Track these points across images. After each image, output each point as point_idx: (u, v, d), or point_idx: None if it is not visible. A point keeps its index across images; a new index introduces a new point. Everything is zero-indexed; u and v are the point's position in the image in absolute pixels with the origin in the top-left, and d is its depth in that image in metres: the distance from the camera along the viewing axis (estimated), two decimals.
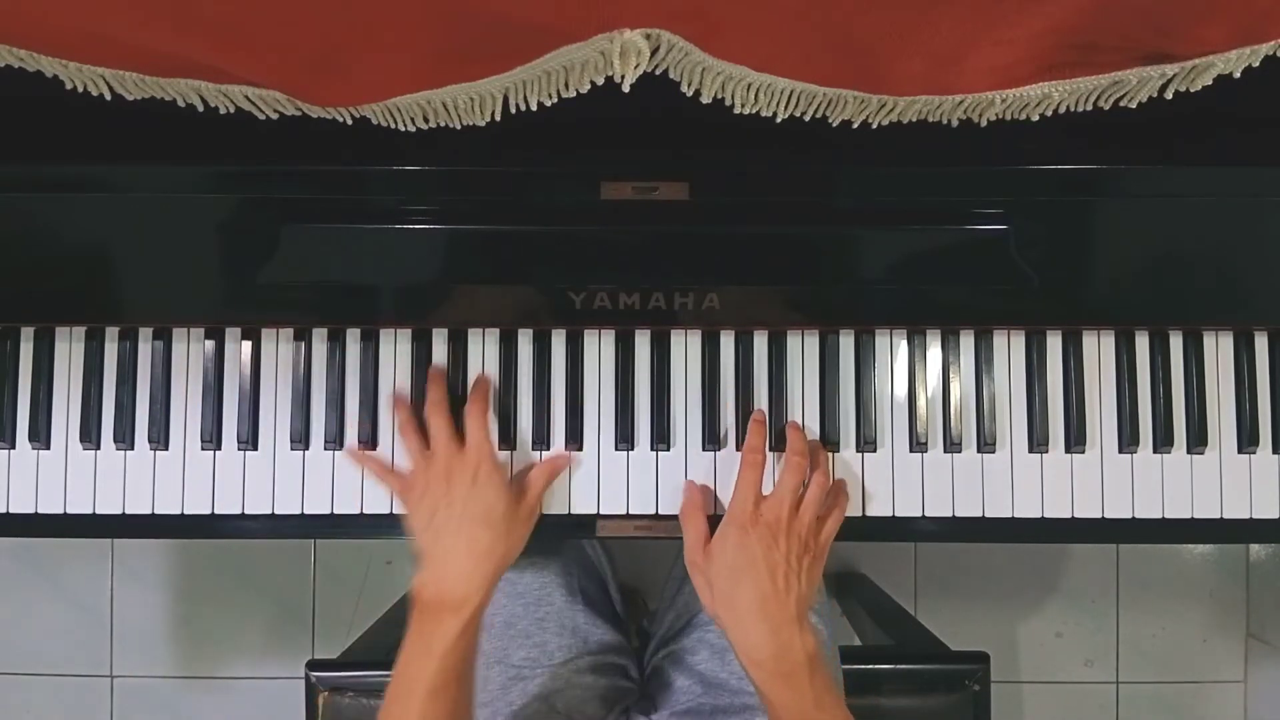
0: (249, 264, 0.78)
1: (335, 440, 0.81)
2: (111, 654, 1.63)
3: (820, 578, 0.76)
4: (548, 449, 0.82)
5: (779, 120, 0.71)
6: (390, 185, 0.79)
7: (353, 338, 0.82)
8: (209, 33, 0.62)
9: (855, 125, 0.73)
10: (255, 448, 0.82)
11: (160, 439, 0.81)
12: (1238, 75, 0.67)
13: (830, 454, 0.81)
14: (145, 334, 0.82)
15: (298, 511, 0.81)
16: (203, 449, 0.82)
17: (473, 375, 0.82)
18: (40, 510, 0.82)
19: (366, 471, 0.80)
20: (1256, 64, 0.67)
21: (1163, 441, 0.81)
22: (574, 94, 0.67)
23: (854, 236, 0.79)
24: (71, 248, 0.79)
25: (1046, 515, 0.81)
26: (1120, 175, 0.78)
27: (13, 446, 0.82)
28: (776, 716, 0.70)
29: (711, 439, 0.81)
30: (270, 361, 0.82)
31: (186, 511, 0.81)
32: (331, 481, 0.81)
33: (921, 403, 0.82)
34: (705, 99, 0.68)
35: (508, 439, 0.82)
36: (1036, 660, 1.63)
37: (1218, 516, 0.81)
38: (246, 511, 0.81)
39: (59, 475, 0.82)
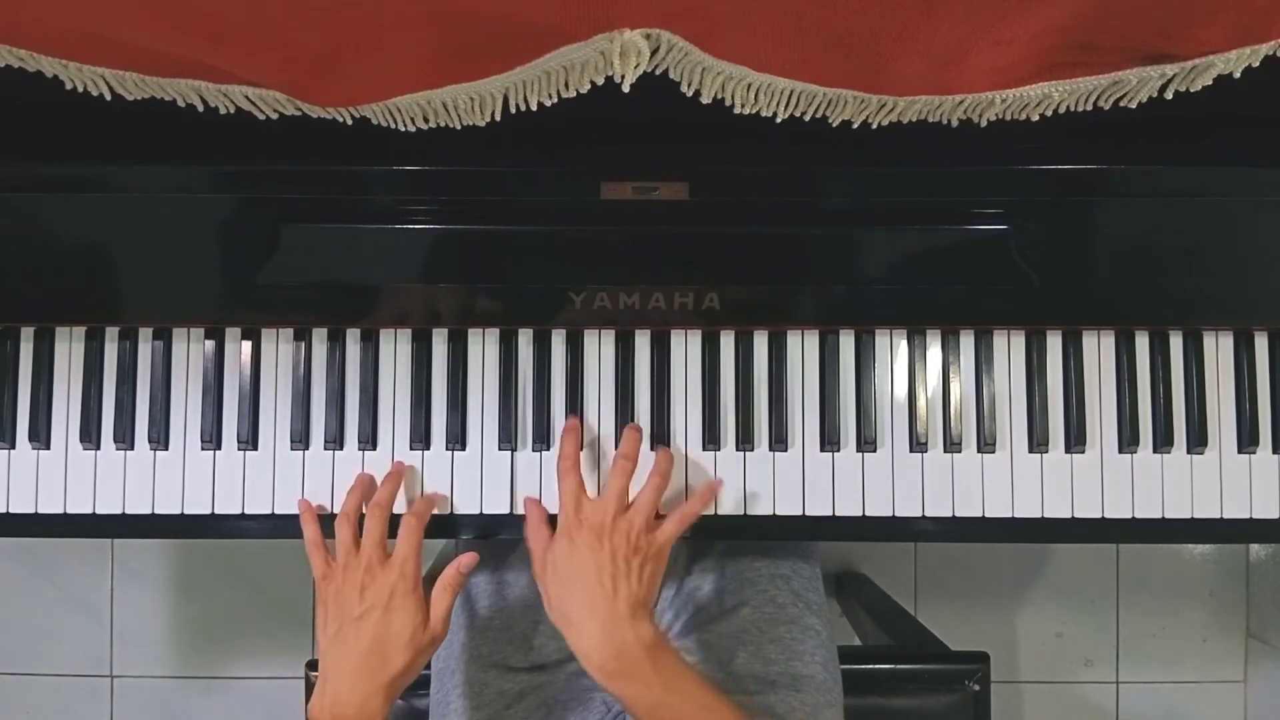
0: (249, 264, 0.78)
1: (335, 440, 0.81)
2: (111, 654, 1.63)
3: (659, 578, 0.74)
4: (548, 449, 0.82)
5: (779, 120, 0.71)
6: (390, 185, 0.79)
7: (353, 338, 0.82)
8: (209, 33, 0.62)
9: (855, 125, 0.73)
10: (255, 448, 0.82)
11: (160, 439, 0.81)
12: (1238, 75, 0.67)
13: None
14: (145, 334, 0.82)
15: (298, 511, 0.81)
16: (203, 449, 0.82)
17: (473, 375, 0.82)
18: (40, 510, 0.82)
19: (304, 527, 0.78)
20: (1256, 64, 0.67)
21: (1163, 441, 0.81)
22: (574, 94, 0.67)
23: (854, 236, 0.79)
24: (71, 248, 0.79)
25: (1046, 515, 0.81)
26: (1120, 175, 0.78)
27: (13, 446, 0.82)
28: (631, 711, 0.70)
29: (711, 439, 0.81)
30: (270, 361, 0.82)
31: (186, 511, 0.81)
32: (331, 481, 0.81)
33: (921, 403, 0.82)
34: (705, 99, 0.68)
35: (508, 439, 0.82)
36: (1036, 660, 1.63)
37: (1218, 516, 0.81)
38: (246, 511, 0.81)
39: (59, 475, 0.82)
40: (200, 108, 0.71)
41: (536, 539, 0.77)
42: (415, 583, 0.74)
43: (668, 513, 0.77)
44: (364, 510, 0.78)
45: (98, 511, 0.81)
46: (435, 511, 0.80)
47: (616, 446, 0.81)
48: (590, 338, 0.82)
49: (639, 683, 0.69)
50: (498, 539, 0.94)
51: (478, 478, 0.82)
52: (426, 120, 0.72)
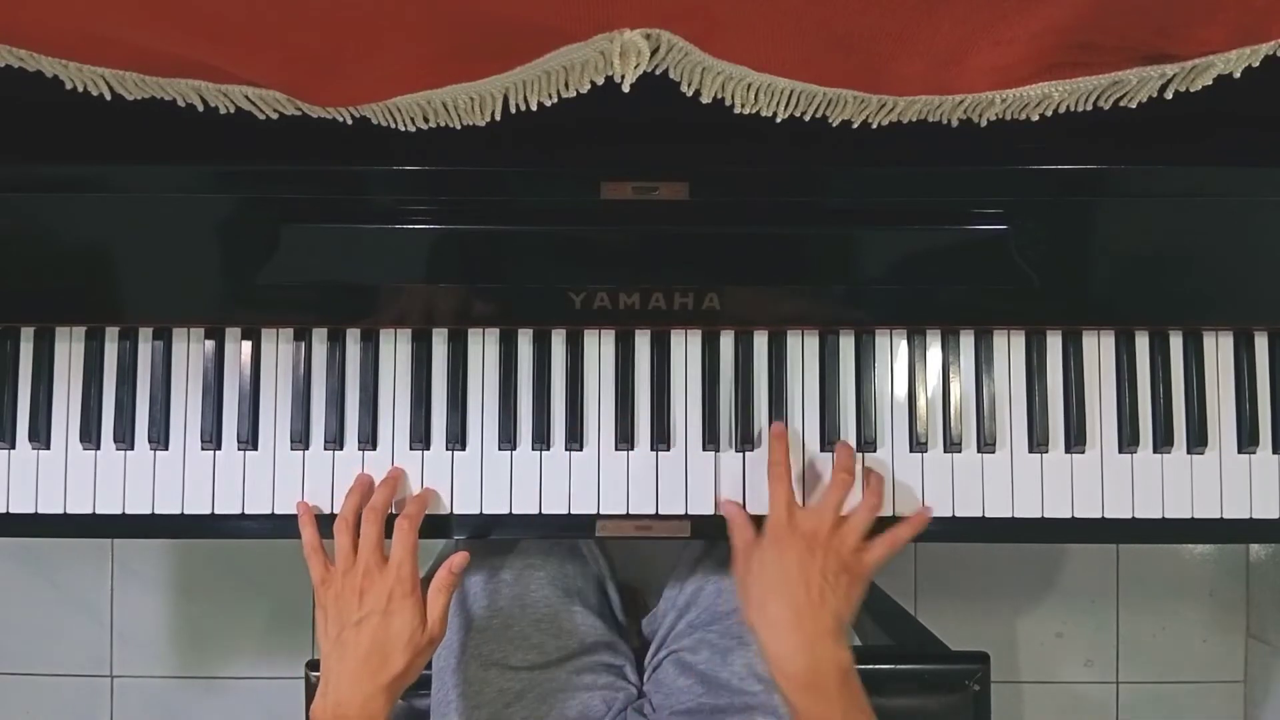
0: (249, 264, 0.78)
1: (335, 440, 0.81)
2: (111, 654, 1.63)
3: (860, 600, 0.75)
4: (548, 449, 0.82)
5: (779, 120, 0.71)
6: (390, 185, 0.79)
7: (353, 338, 0.82)
8: (209, 33, 0.62)
9: (855, 125, 0.73)
10: (255, 448, 0.82)
11: (160, 439, 0.81)
12: (1238, 75, 0.67)
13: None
14: (145, 334, 0.82)
15: (298, 511, 0.81)
16: (203, 449, 0.82)
17: (473, 375, 0.82)
18: (40, 510, 0.82)
19: (303, 530, 0.79)
20: (1256, 64, 0.67)
21: (1163, 441, 0.81)
22: (574, 94, 0.67)
23: (854, 236, 0.79)
24: (71, 248, 0.79)
25: (1046, 515, 0.81)
26: (1120, 175, 0.78)
27: (13, 446, 0.82)
28: None
29: (711, 439, 0.81)
30: (270, 361, 0.82)
31: (186, 511, 0.81)
32: (331, 481, 0.81)
33: (921, 403, 0.82)
34: (705, 99, 0.68)
35: (509, 439, 0.82)
36: (1036, 660, 1.63)
37: (1218, 516, 0.81)
38: (246, 511, 0.81)
39: (59, 475, 0.82)
40: (200, 108, 0.71)
41: (742, 536, 0.77)
42: (413, 585, 0.75)
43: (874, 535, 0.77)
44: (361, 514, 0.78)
45: (98, 511, 0.81)
46: (431, 511, 0.80)
47: (616, 448, 0.81)
48: (590, 338, 0.82)
49: (823, 704, 0.69)
50: (499, 538, 0.94)
51: (478, 478, 0.82)
52: (426, 120, 0.72)
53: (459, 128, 0.72)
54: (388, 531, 0.77)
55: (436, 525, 0.81)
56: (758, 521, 0.79)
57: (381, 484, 0.80)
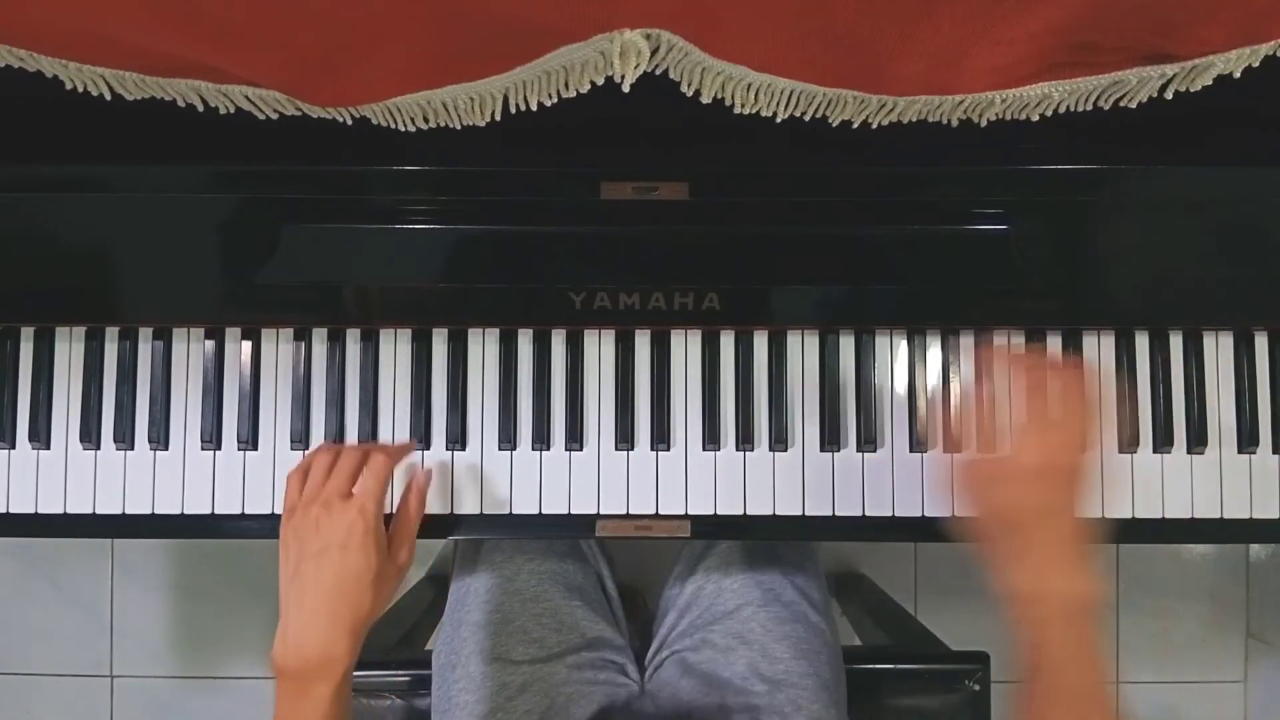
0: (249, 264, 0.78)
1: (335, 440, 0.81)
2: (111, 654, 1.63)
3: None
4: (548, 449, 0.82)
5: (779, 120, 0.71)
6: (390, 185, 0.79)
7: (353, 338, 0.82)
8: (209, 33, 0.62)
9: (855, 125, 0.73)
10: (255, 448, 0.82)
11: (160, 439, 0.81)
12: (1238, 75, 0.67)
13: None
14: (145, 334, 0.82)
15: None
16: (203, 449, 0.82)
17: (473, 375, 0.82)
18: (40, 510, 0.82)
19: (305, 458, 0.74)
20: (1256, 64, 0.67)
21: (1163, 441, 0.81)
22: (574, 94, 0.67)
23: (854, 236, 0.79)
24: (71, 248, 0.79)
25: None
26: (1120, 175, 0.78)
27: (13, 446, 0.82)
28: (1045, 659, 0.66)
29: (711, 439, 0.81)
30: (270, 361, 0.82)
31: (186, 511, 0.81)
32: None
33: (921, 403, 0.82)
34: (705, 99, 0.68)
35: (509, 439, 0.82)
36: None
37: (1218, 516, 0.81)
38: (246, 511, 0.81)
39: (59, 475, 0.82)
40: (200, 108, 0.71)
41: (984, 466, 0.70)
42: (375, 523, 0.70)
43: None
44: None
45: (98, 511, 0.81)
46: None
47: (616, 448, 0.81)
48: (590, 338, 0.82)
49: (1087, 632, 0.64)
50: (498, 539, 0.94)
51: (478, 478, 0.82)
52: (426, 120, 0.72)
53: (459, 128, 0.72)
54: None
55: (439, 525, 0.81)
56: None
57: (397, 446, 0.76)
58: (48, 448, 0.82)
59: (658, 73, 0.66)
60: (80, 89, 0.69)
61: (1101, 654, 0.65)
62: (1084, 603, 0.64)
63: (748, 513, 0.81)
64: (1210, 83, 0.68)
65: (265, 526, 0.82)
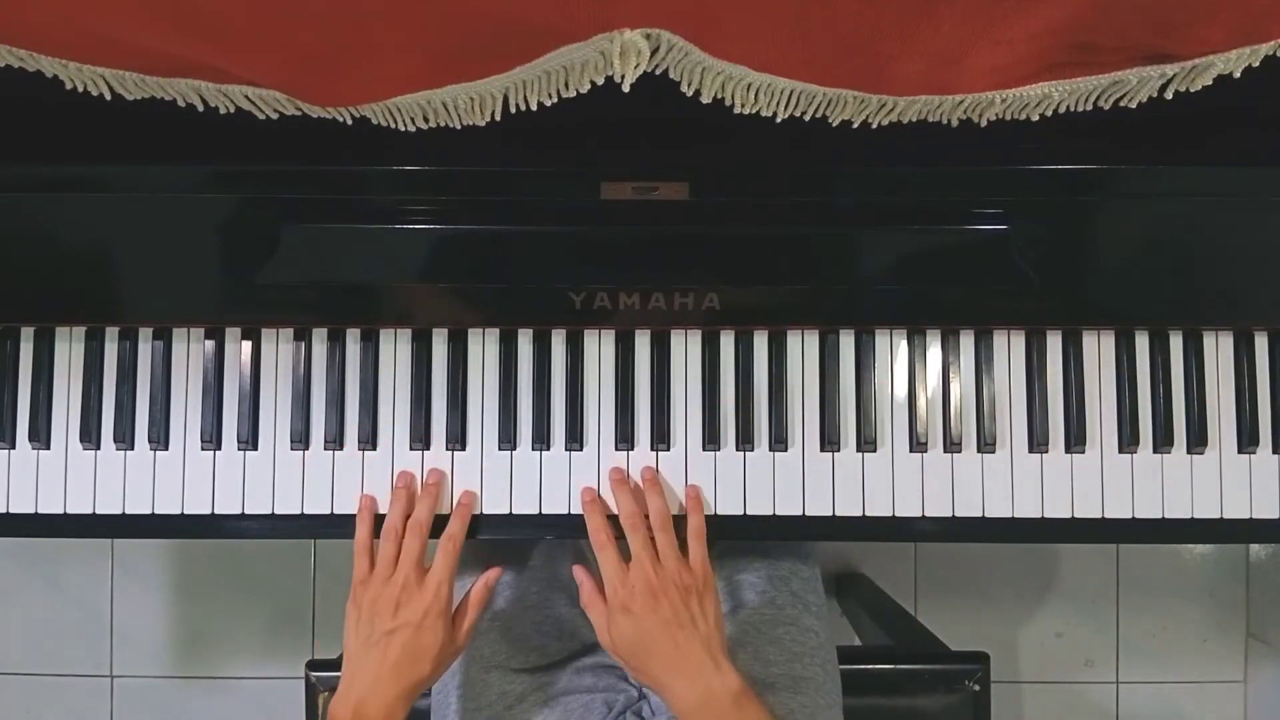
0: (249, 264, 0.78)
1: (335, 440, 0.81)
2: (111, 654, 1.63)
3: (718, 605, 0.76)
4: (548, 449, 0.82)
5: (779, 120, 0.71)
6: (390, 185, 0.79)
7: (353, 338, 0.82)
8: (209, 33, 0.62)
9: (855, 125, 0.73)
10: (255, 448, 0.82)
11: (160, 439, 0.81)
12: (1238, 75, 0.67)
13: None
14: (145, 334, 0.82)
15: (298, 511, 0.81)
16: (203, 449, 0.82)
17: (473, 375, 0.82)
18: (40, 510, 0.82)
19: (358, 527, 0.79)
20: (1256, 64, 0.67)
21: (1163, 441, 0.81)
22: (574, 94, 0.67)
23: (854, 236, 0.79)
24: (71, 248, 0.79)
25: (1046, 515, 0.81)
26: (1120, 175, 0.78)
27: (13, 446, 0.82)
28: None
29: (711, 439, 0.81)
30: (270, 361, 0.82)
31: (186, 511, 0.81)
32: (331, 481, 0.81)
33: (921, 403, 0.82)
34: (705, 99, 0.68)
35: (509, 439, 0.82)
36: (1036, 660, 1.63)
37: (1218, 516, 0.81)
38: (246, 511, 0.81)
39: (59, 475, 0.82)
40: (200, 108, 0.71)
41: (595, 610, 0.78)
42: (448, 604, 0.76)
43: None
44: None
45: (98, 511, 0.81)
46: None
47: (616, 448, 0.81)
48: (590, 338, 0.82)
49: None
50: (498, 539, 0.94)
51: (478, 478, 0.82)
52: (426, 120, 0.72)
53: (459, 128, 0.72)
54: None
55: (436, 525, 0.81)
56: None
57: (424, 494, 0.80)
58: (48, 448, 0.82)
59: (658, 73, 0.66)
60: (80, 89, 0.69)
61: None
62: (739, 690, 0.72)
63: (747, 513, 0.81)
64: (1210, 83, 0.68)
65: (265, 526, 0.82)
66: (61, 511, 0.82)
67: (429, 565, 0.77)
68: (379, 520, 0.80)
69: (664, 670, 0.72)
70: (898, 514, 0.81)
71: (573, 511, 0.81)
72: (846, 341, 0.82)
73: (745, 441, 0.81)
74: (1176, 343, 0.82)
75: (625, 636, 0.74)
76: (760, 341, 0.82)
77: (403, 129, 0.72)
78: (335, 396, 0.81)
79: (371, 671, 0.74)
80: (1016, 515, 0.81)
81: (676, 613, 0.73)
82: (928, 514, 0.82)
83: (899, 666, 0.99)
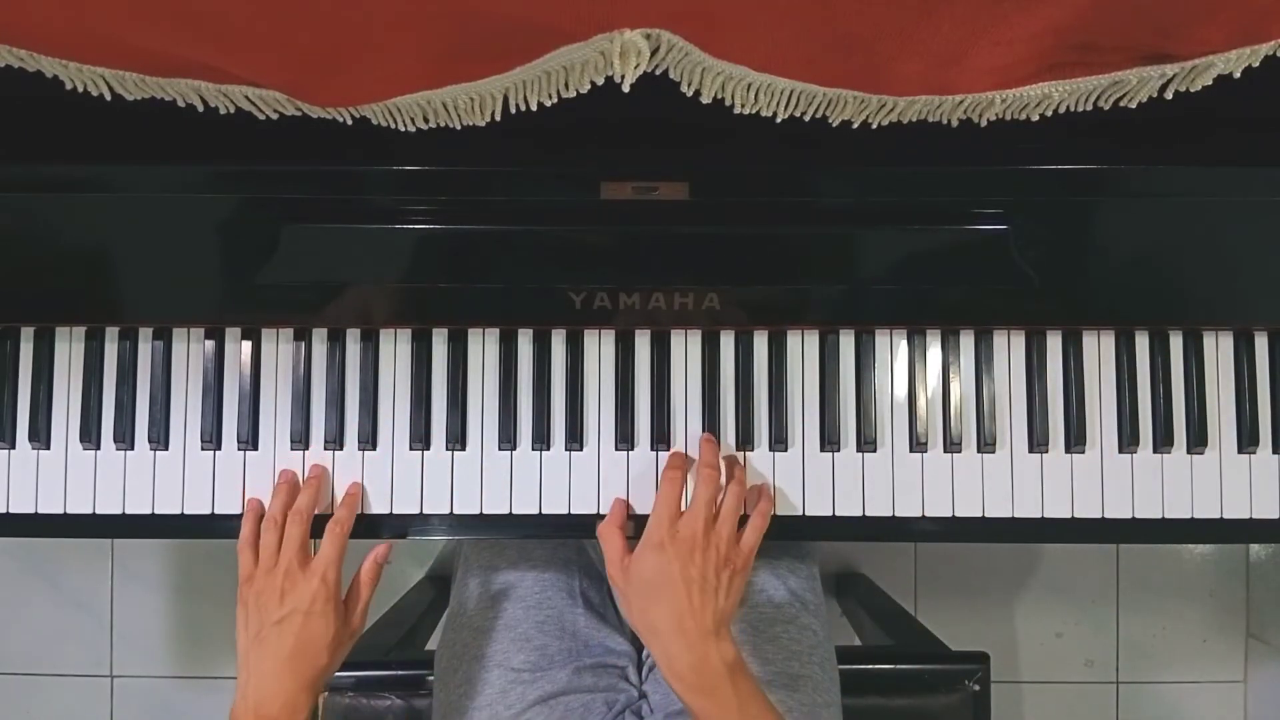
0: (249, 264, 0.78)
1: (335, 440, 0.81)
2: (111, 654, 1.63)
3: (743, 589, 0.75)
4: (548, 449, 0.82)
5: (779, 120, 0.71)
6: (390, 185, 0.79)
7: (353, 338, 0.82)
8: (209, 33, 0.62)
9: (855, 125, 0.73)
10: (255, 448, 0.82)
11: (160, 439, 0.81)
12: (1238, 75, 0.67)
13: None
14: (145, 334, 0.82)
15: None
16: (203, 449, 0.82)
17: (473, 375, 0.82)
18: (40, 510, 0.82)
19: (242, 526, 0.79)
20: (1256, 64, 0.67)
21: (1163, 441, 0.81)
22: (574, 94, 0.67)
23: (854, 236, 0.79)
24: (71, 248, 0.79)
25: (1046, 515, 0.81)
26: (1120, 175, 0.78)
27: (13, 446, 0.82)
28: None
29: None
30: (270, 361, 0.82)
31: (186, 511, 0.81)
32: (331, 481, 0.81)
33: (921, 403, 0.82)
34: (705, 99, 0.68)
35: (509, 439, 0.82)
36: (1036, 660, 1.63)
37: (1218, 516, 0.81)
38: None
39: (59, 475, 0.82)
40: (200, 108, 0.71)
41: (614, 542, 0.76)
42: (335, 589, 0.75)
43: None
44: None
45: (98, 511, 0.81)
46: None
47: (616, 448, 0.81)
48: (590, 338, 0.82)
49: (716, 702, 0.69)
50: (498, 539, 0.94)
51: (477, 478, 0.82)
52: (426, 120, 0.72)
53: (459, 128, 0.72)
54: (315, 532, 0.78)
55: (436, 525, 0.81)
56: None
57: (306, 485, 0.79)
58: (48, 448, 0.82)
59: (658, 73, 0.66)
60: (80, 89, 0.69)
61: (762, 706, 0.71)
62: (735, 661, 0.70)
63: (747, 512, 0.81)
64: (1210, 83, 0.68)
65: None
66: (61, 511, 0.82)
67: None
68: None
69: (666, 622, 0.71)
70: (898, 514, 0.81)
71: (573, 511, 0.81)
72: (846, 341, 0.82)
73: (745, 441, 0.81)
74: (1176, 343, 0.82)
75: (644, 572, 0.72)
76: (760, 341, 0.82)
77: (403, 129, 0.72)
78: (335, 396, 0.81)
79: (267, 668, 0.72)
80: (1016, 515, 0.81)
81: (704, 575, 0.72)
82: (928, 514, 0.82)
83: (899, 666, 0.99)
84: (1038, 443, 0.81)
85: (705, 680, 0.70)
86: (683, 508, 0.76)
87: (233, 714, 0.72)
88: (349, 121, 0.73)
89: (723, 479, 0.77)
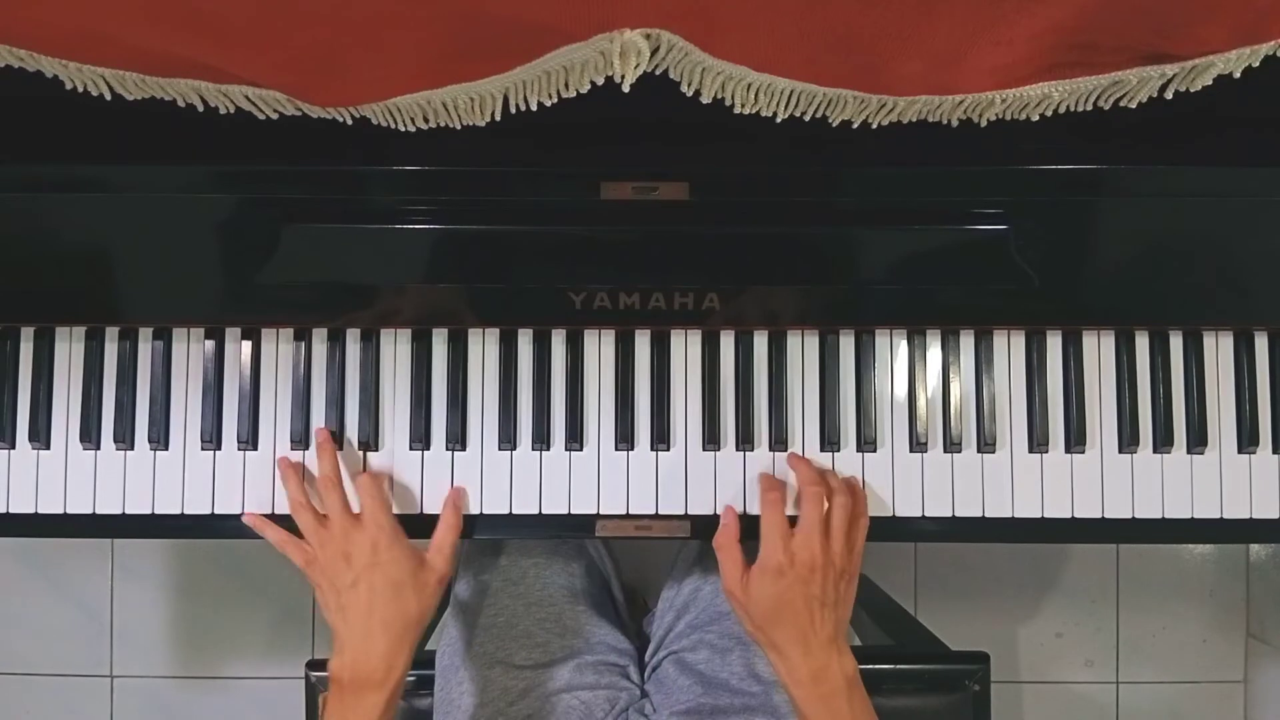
0: (249, 264, 0.78)
1: (336, 440, 0.81)
2: (111, 654, 1.63)
3: (855, 591, 0.76)
4: (548, 449, 0.82)
5: (779, 120, 0.71)
6: (390, 185, 0.79)
7: (353, 338, 0.82)
8: (209, 33, 0.62)
9: (855, 125, 0.73)
10: (255, 448, 0.82)
11: (160, 439, 0.81)
12: (1238, 75, 0.67)
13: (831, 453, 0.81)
14: (145, 334, 0.82)
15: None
16: (203, 449, 0.82)
17: (473, 375, 0.82)
18: (40, 510, 0.82)
19: (268, 538, 0.79)
20: (1256, 64, 0.67)
21: (1163, 441, 0.81)
22: (574, 94, 0.67)
23: (854, 236, 0.79)
24: (71, 248, 0.79)
25: (1046, 515, 0.81)
26: (1120, 175, 0.78)
27: (13, 446, 0.82)
28: None
29: (711, 439, 0.81)
30: (270, 361, 0.82)
31: (186, 511, 0.81)
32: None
33: (921, 403, 0.82)
34: (705, 99, 0.68)
35: (509, 439, 0.82)
36: (1036, 660, 1.63)
37: (1218, 516, 0.81)
38: (246, 511, 0.81)
39: (59, 475, 0.82)
40: (200, 108, 0.71)
41: (729, 554, 0.76)
42: (393, 530, 0.75)
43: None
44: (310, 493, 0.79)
45: (98, 511, 0.81)
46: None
47: (616, 448, 0.81)
48: (590, 338, 0.82)
49: (830, 713, 0.70)
50: (499, 538, 0.94)
51: (478, 478, 0.82)
52: (426, 120, 0.72)
53: (459, 128, 0.72)
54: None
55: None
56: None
57: (320, 453, 0.79)
58: (48, 448, 0.82)
59: (658, 73, 0.66)
60: (80, 89, 0.69)
61: None
62: (853, 676, 0.72)
63: (748, 513, 0.81)
64: (1210, 83, 0.68)
65: None
66: (61, 511, 0.82)
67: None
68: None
69: (788, 639, 0.71)
70: (898, 514, 0.82)
71: (573, 511, 0.81)
72: (846, 341, 0.82)
73: (745, 441, 0.81)
74: (1176, 343, 0.82)
75: (764, 598, 0.72)
76: (760, 341, 0.82)
77: (403, 129, 0.72)
78: (335, 396, 0.81)
79: (356, 630, 0.72)
80: (1016, 515, 0.81)
81: (824, 592, 0.72)
82: (928, 514, 0.82)
83: (899, 666, 0.99)
84: (1038, 443, 0.81)
85: (824, 689, 0.70)
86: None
87: (331, 670, 0.72)
88: (349, 121, 0.73)
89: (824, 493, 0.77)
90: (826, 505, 0.75)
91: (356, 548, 0.74)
